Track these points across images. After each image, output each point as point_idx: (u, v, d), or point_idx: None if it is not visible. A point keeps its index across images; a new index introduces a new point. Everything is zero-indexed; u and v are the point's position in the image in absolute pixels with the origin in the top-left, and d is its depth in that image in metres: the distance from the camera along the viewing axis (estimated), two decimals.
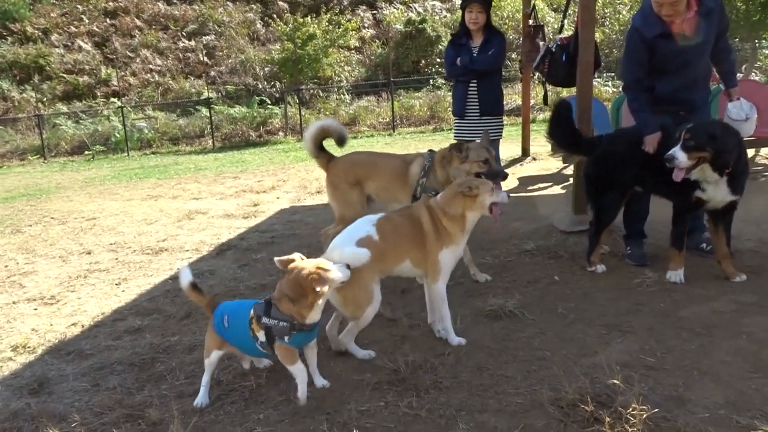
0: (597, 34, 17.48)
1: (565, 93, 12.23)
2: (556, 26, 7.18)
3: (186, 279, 2.86)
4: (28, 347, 3.63)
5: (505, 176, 4.14)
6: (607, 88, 16.87)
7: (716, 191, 3.59)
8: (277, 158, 12.78)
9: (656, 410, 2.34)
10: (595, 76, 16.53)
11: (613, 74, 17.67)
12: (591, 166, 4.17)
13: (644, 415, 2.29)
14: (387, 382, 2.79)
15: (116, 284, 4.76)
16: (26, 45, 23.48)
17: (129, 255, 5.61)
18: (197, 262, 5.18)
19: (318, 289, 2.51)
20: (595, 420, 2.34)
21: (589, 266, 4.10)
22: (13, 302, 4.52)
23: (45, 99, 21.50)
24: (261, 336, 2.63)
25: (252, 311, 2.67)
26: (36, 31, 24.01)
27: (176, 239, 6.05)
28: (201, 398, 2.80)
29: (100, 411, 2.81)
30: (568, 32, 6.92)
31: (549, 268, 4.26)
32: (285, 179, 9.46)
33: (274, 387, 2.87)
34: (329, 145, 4.50)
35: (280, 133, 17.57)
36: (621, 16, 19.89)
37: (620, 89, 15.82)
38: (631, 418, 2.29)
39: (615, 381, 2.52)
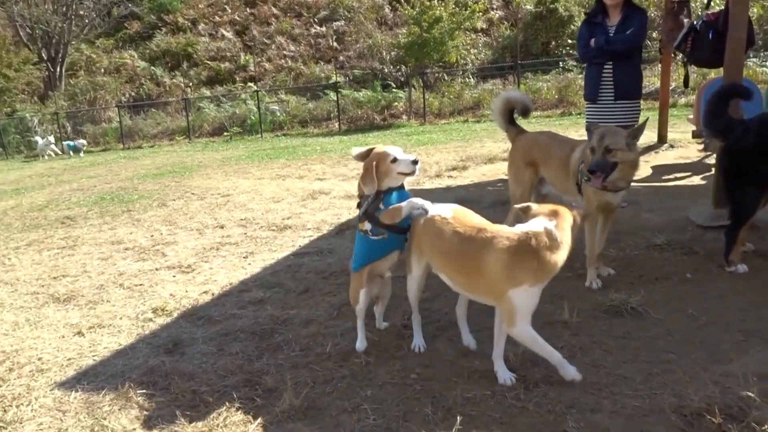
0: (753, 9, 15.75)
1: (713, 75, 11.16)
2: (703, 1, 6.53)
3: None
4: (166, 311, 4.00)
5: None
6: (764, 69, 15.15)
7: None
8: (399, 141, 12.92)
9: None
10: (749, 55, 14.99)
11: None
12: (725, 156, 3.74)
13: None
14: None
15: (244, 257, 5.08)
16: (177, 34, 25.61)
17: (257, 230, 5.97)
18: (317, 240, 5.39)
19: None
20: None
21: (728, 266, 3.72)
22: (156, 269, 4.99)
23: (191, 84, 23.38)
24: (366, 225, 2.95)
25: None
26: (186, 21, 26.08)
27: (300, 217, 6.34)
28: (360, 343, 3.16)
29: (223, 374, 3.02)
30: (718, 7, 6.28)
31: (681, 264, 3.93)
32: None
33: (383, 366, 2.93)
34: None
35: (404, 117, 17.74)
36: None
37: None
38: None
39: (750, 393, 2.28)
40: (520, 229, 2.55)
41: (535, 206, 2.68)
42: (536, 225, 2.53)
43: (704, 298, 3.39)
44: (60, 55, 25.04)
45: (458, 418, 2.41)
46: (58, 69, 24.88)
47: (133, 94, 23.95)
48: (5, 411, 2.89)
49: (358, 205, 3.09)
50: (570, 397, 2.51)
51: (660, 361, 2.75)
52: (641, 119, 5.39)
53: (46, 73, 25.28)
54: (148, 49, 25.49)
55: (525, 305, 2.52)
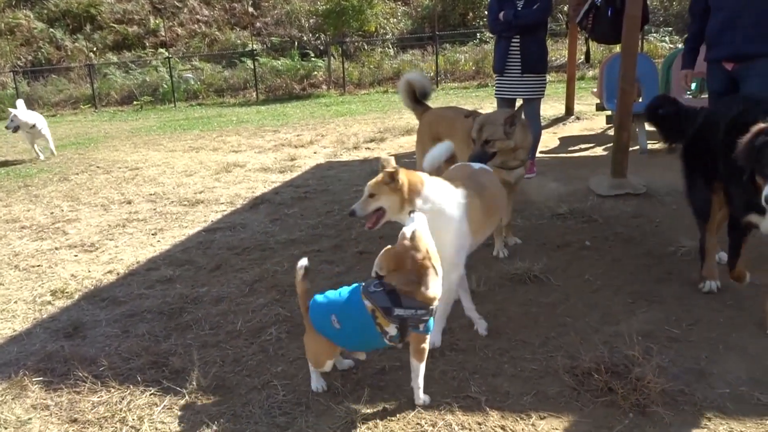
0: None
1: (618, 49, 11.68)
2: None
3: (302, 264, 2.45)
4: (66, 292, 3.80)
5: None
6: (663, 44, 16.02)
7: None
8: (318, 112, 12.76)
9: (672, 383, 2.29)
10: (649, 30, 15.75)
11: (671, 29, 16.76)
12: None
13: (659, 388, 2.24)
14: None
15: (152, 234, 4.90)
16: None
17: (167, 206, 5.75)
18: (231, 214, 5.27)
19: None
20: (608, 390, 2.30)
21: (700, 282, 3.19)
22: (56, 248, 4.72)
23: (96, 49, 21.93)
24: (391, 330, 2.27)
25: (368, 303, 2.28)
26: None
27: (213, 191, 6.16)
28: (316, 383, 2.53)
29: (128, 357, 2.93)
30: None
31: (581, 232, 4.15)
32: (324, 134, 9.45)
33: (295, 341, 2.92)
34: None
35: (324, 87, 17.50)
36: None
37: (676, 45, 15.02)
38: (646, 390, 2.24)
39: (633, 352, 2.47)
40: None
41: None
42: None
43: (600, 263, 3.61)
44: None
45: (366, 389, 2.46)
46: None
47: (30, 58, 22.18)
48: None
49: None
50: (473, 363, 2.62)
51: (557, 325, 2.91)
52: (545, 91, 5.61)
53: None
54: (46, 9, 23.57)
55: None
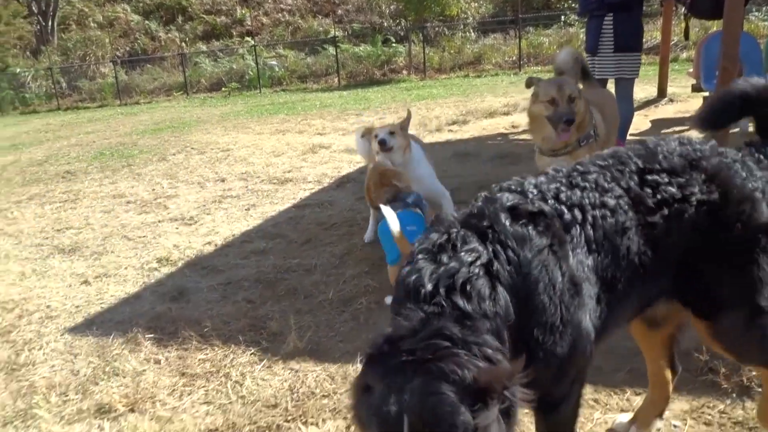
0: None
1: (715, 27, 11.00)
2: None
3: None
4: (170, 260, 4.07)
5: (570, 120, 3.34)
6: (766, 23, 14.91)
7: None
8: (399, 96, 12.82)
9: None
10: (750, 9, 14.69)
11: None
12: None
13: None
14: None
15: (246, 210, 5.14)
16: None
17: (258, 184, 6.00)
18: (318, 192, 5.43)
19: None
20: (709, 370, 2.24)
21: None
22: (159, 221, 5.05)
23: (187, 39, 22.98)
24: None
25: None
26: None
27: (300, 171, 6.36)
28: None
29: (229, 320, 3.12)
30: None
31: None
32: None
33: (384, 311, 3.01)
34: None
35: (404, 72, 17.54)
36: None
37: None
38: (749, 371, 2.15)
39: None
40: None
41: None
42: None
43: None
44: (51, 8, 24.50)
45: None
46: (50, 23, 24.38)
47: (128, 48, 23.56)
48: (18, 354, 2.99)
49: None
50: None
51: None
52: (641, 72, 5.37)
53: (38, 27, 24.80)
54: (141, 2, 24.93)
55: None
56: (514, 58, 16.76)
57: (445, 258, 1.26)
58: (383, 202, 2.96)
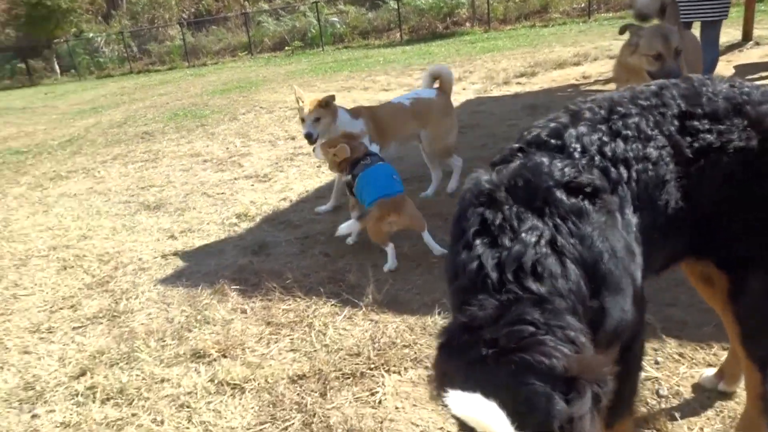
0: None
1: None
2: None
3: None
4: (249, 216, 4.23)
5: (677, 76, 3.22)
6: None
7: None
8: (463, 50, 12.54)
9: None
10: None
11: None
12: None
13: None
14: None
15: (317, 167, 5.23)
16: None
17: None
18: None
19: None
20: None
21: None
22: (235, 179, 5.23)
23: None
24: None
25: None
26: None
27: None
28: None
29: (308, 272, 3.23)
30: None
31: None
32: (471, 70, 9.31)
33: None
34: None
35: (467, 24, 17.08)
36: None
37: None
38: None
39: None
40: None
41: None
42: None
43: None
44: None
45: None
46: None
47: (193, 10, 23.99)
48: (117, 302, 3.22)
49: None
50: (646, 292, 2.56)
51: None
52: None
53: None
54: None
55: None
56: (583, 5, 15.98)
57: (507, 241, 1.20)
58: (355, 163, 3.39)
